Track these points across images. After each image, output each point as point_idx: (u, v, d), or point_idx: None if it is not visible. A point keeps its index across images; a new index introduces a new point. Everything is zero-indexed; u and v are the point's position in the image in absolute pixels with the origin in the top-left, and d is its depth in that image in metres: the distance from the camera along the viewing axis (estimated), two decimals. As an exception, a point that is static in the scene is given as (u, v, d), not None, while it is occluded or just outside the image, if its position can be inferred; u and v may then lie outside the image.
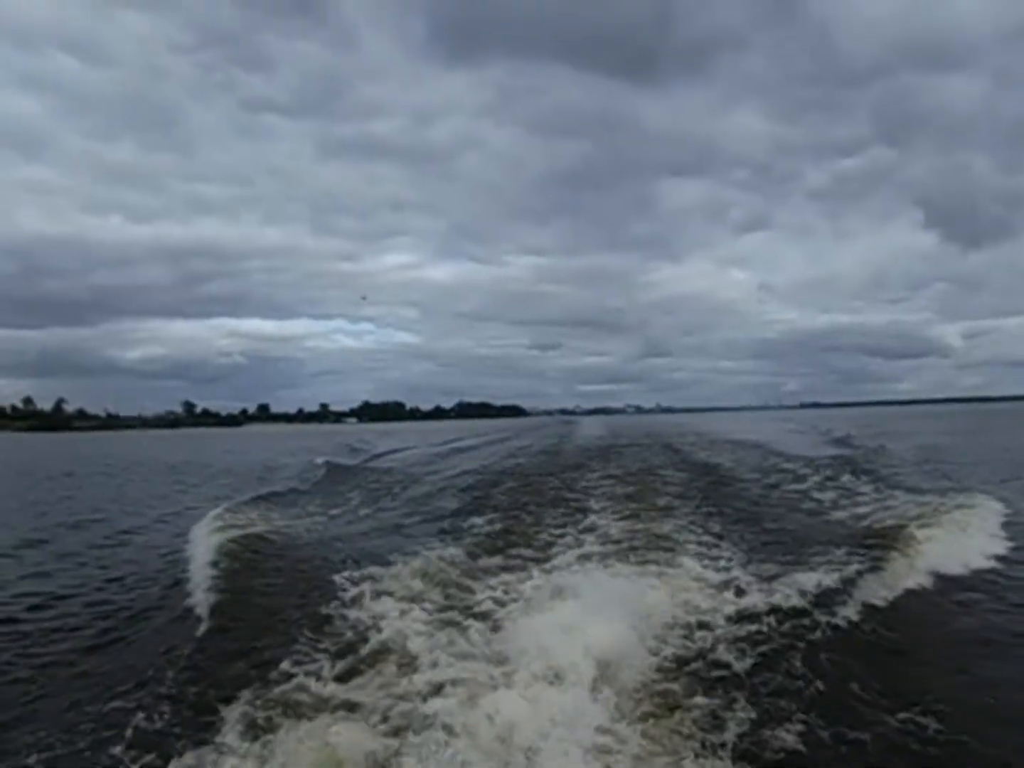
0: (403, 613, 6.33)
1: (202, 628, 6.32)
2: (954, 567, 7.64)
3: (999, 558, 8.21)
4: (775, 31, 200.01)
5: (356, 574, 7.60)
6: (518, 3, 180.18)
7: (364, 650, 5.60)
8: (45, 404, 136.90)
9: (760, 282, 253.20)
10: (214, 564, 8.22)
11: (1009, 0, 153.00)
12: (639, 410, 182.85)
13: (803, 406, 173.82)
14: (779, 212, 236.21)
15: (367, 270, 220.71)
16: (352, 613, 6.44)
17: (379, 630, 5.93)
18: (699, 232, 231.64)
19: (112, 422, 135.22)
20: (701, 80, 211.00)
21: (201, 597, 7.20)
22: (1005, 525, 9.61)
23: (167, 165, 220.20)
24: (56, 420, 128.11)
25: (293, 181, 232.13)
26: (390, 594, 6.87)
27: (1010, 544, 8.73)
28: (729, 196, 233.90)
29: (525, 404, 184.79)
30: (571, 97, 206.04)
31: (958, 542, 8.48)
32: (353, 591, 7.05)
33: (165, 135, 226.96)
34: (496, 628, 5.95)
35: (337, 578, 7.49)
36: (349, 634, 5.95)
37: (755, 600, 6.44)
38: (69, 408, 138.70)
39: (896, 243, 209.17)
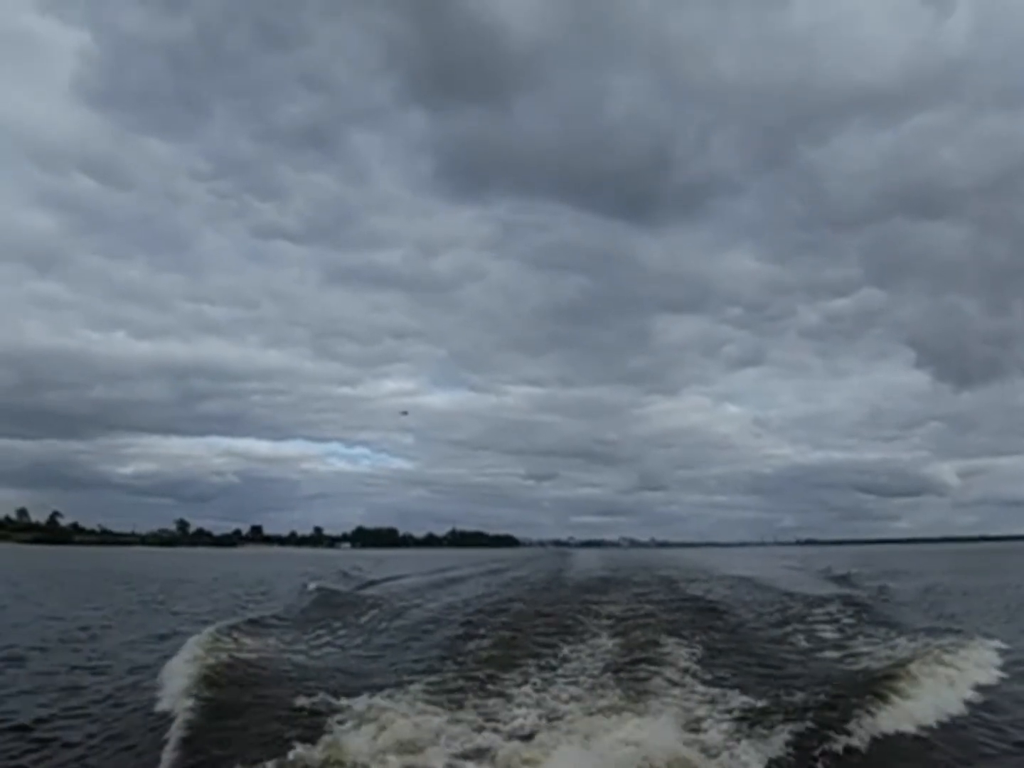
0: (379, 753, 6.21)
1: (175, 758, 6.34)
2: (951, 710, 7.75)
3: (995, 699, 8.32)
4: (768, 177, 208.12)
5: (340, 705, 7.54)
6: (522, 145, 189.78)
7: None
8: (36, 515, 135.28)
9: (754, 417, 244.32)
10: (193, 692, 8.10)
11: (986, 154, 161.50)
12: (633, 543, 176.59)
13: (799, 543, 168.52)
14: (773, 349, 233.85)
15: (365, 395, 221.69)
16: (331, 750, 6.31)
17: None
18: (694, 367, 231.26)
19: (109, 537, 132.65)
20: (697, 221, 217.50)
21: (178, 725, 7.14)
22: (1004, 667, 9.79)
23: (175, 285, 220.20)
24: (57, 533, 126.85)
25: (297, 306, 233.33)
26: (374, 729, 6.74)
27: (1008, 686, 8.92)
28: (723, 333, 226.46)
29: (518, 534, 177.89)
30: (571, 234, 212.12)
31: (957, 684, 8.60)
32: (334, 723, 6.97)
33: (176, 256, 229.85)
34: None
35: (316, 707, 7.50)
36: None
37: (745, 748, 6.50)
38: (63, 521, 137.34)
39: (889, 382, 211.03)
